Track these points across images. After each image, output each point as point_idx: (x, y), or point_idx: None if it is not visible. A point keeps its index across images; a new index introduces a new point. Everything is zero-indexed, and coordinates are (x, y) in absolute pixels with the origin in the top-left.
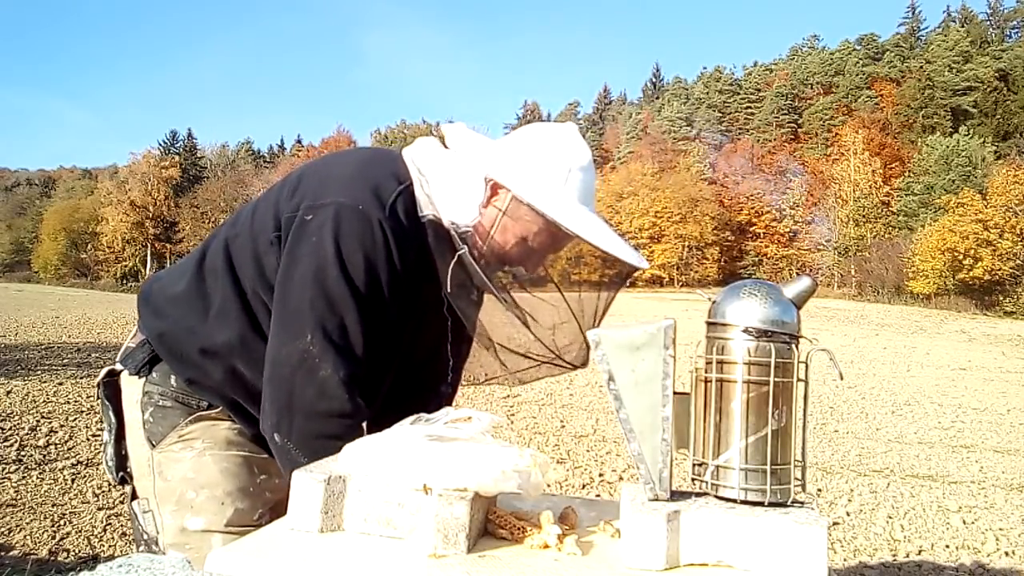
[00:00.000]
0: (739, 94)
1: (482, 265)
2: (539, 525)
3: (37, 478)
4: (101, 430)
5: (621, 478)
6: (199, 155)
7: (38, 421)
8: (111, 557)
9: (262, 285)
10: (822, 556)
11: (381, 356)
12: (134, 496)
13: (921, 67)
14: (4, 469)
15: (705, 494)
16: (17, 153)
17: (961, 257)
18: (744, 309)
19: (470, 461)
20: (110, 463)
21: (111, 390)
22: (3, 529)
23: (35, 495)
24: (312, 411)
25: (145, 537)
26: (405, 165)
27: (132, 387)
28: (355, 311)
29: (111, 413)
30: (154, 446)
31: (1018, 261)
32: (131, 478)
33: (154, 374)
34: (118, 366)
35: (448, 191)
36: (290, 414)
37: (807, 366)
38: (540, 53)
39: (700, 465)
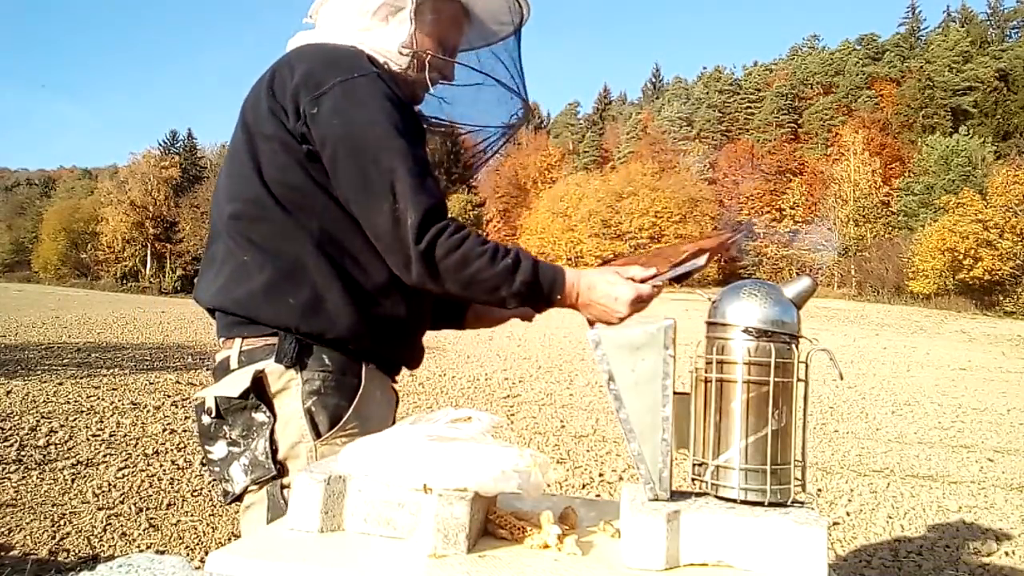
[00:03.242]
0: (739, 94)
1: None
2: (539, 525)
3: (37, 478)
4: (215, 438)
5: (621, 478)
6: (199, 155)
7: (38, 421)
8: (111, 557)
9: (324, 195)
10: (822, 556)
11: None
12: (282, 488)
13: (921, 67)
14: (4, 469)
15: (705, 494)
16: (17, 153)
17: (961, 257)
18: (744, 309)
19: (470, 461)
20: (261, 458)
21: (257, 387)
22: (3, 529)
23: (35, 495)
24: (425, 251)
25: None
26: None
27: (286, 379)
28: (410, 155)
29: (260, 412)
30: (318, 436)
31: (1018, 261)
32: (285, 471)
33: (308, 360)
34: (259, 364)
35: (374, 36)
36: (416, 262)
37: (807, 366)
38: (540, 53)
39: (700, 465)
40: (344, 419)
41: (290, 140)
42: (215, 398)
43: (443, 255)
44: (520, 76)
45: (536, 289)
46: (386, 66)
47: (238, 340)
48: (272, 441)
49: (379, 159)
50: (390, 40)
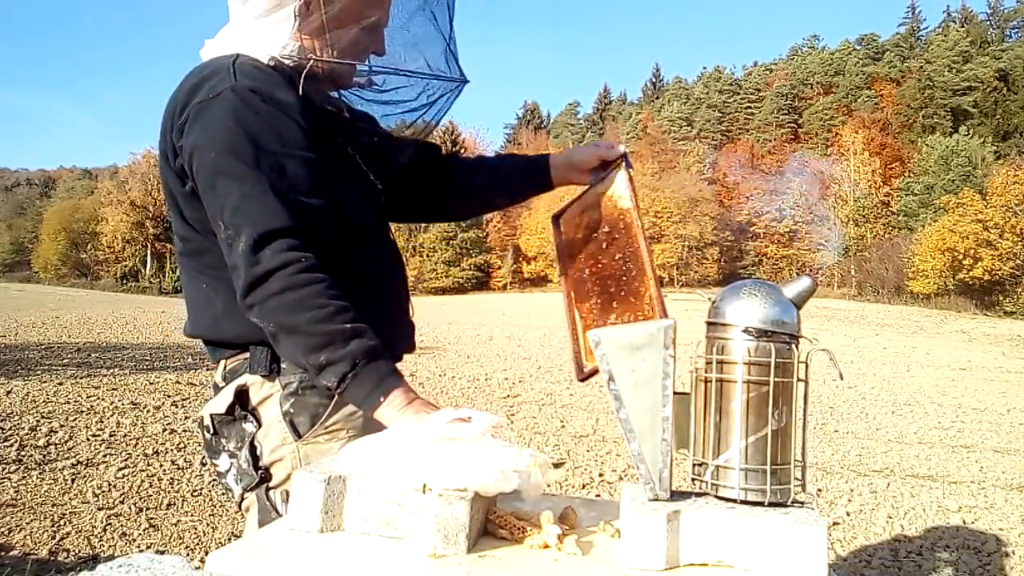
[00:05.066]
0: (739, 94)
1: (338, 56)
2: (539, 525)
3: (37, 478)
4: (217, 452)
5: (621, 478)
6: None
7: (38, 421)
8: (111, 557)
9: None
10: (822, 556)
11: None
12: (267, 491)
13: (921, 67)
14: (4, 469)
15: (705, 494)
16: (17, 153)
17: (961, 257)
18: (744, 309)
19: (470, 461)
20: (245, 466)
21: (242, 400)
22: (3, 529)
23: (35, 495)
24: (259, 277)
25: None
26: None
27: (266, 388)
28: (249, 177)
29: (248, 423)
30: (299, 436)
31: (1018, 261)
32: (270, 476)
33: (284, 365)
34: (241, 379)
35: (257, 37)
36: (243, 286)
37: (807, 366)
38: (540, 53)
39: (700, 465)
40: (324, 416)
41: (175, 179)
42: (210, 415)
43: (278, 290)
44: (450, 45)
45: (361, 370)
46: (281, 65)
47: (222, 362)
48: (253, 448)
49: (215, 186)
50: (273, 41)
